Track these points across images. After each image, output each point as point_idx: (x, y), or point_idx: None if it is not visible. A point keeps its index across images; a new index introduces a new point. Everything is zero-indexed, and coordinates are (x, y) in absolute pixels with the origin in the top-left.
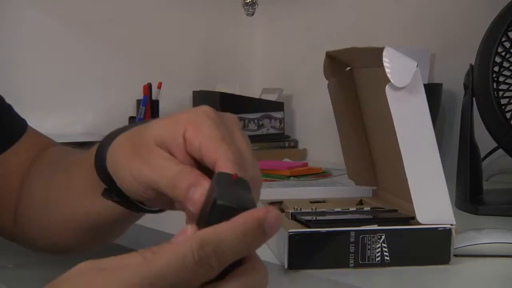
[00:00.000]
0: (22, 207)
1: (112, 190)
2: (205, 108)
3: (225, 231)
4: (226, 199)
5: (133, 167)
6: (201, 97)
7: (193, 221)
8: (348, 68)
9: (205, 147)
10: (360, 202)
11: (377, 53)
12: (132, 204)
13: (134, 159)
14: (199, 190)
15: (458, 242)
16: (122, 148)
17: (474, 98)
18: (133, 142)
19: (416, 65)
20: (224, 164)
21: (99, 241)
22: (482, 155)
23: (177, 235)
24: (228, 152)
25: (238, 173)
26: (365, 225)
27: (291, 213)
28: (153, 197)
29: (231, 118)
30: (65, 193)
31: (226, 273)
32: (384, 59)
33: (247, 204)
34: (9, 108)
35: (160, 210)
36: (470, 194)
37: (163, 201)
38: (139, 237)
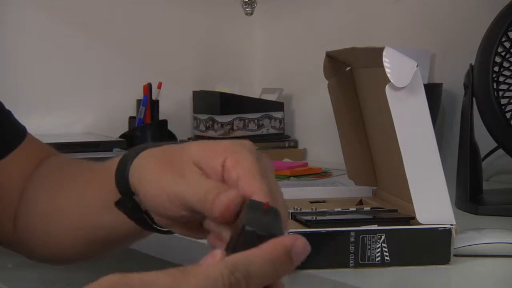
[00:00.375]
0: (22, 216)
1: (128, 202)
2: (246, 142)
3: (255, 257)
4: (255, 226)
5: (165, 179)
6: (201, 97)
7: (216, 240)
8: (348, 68)
9: (243, 179)
10: (360, 202)
11: (377, 53)
12: (143, 221)
13: (168, 171)
14: (226, 195)
15: (458, 242)
16: (154, 159)
17: (474, 98)
18: (168, 155)
19: (416, 65)
20: (259, 197)
21: (99, 255)
22: (482, 155)
23: (205, 258)
24: (263, 186)
25: (270, 203)
26: (365, 225)
27: (291, 213)
28: (176, 213)
29: (267, 159)
30: (71, 207)
31: None
32: (384, 59)
33: (275, 232)
34: (8, 114)
35: (169, 232)
36: (470, 194)
37: (180, 225)
38: (154, 241)
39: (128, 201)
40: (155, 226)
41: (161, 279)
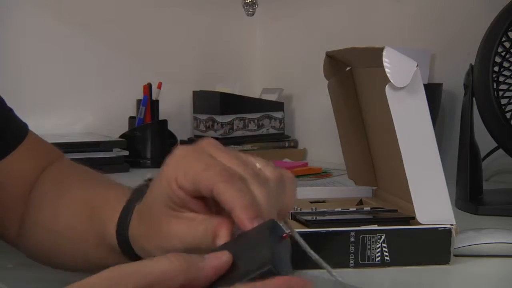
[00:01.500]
0: (29, 224)
1: None
2: (178, 151)
3: None
4: (278, 265)
5: (168, 247)
6: (201, 97)
7: None
8: (348, 68)
9: (198, 184)
10: (360, 202)
11: (377, 53)
12: None
13: (164, 242)
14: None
15: (458, 242)
16: (143, 237)
17: (474, 98)
18: (149, 224)
19: (416, 65)
20: (219, 189)
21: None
22: (482, 155)
23: (212, 255)
24: (216, 177)
25: (233, 188)
26: (365, 225)
27: (291, 213)
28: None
29: (207, 142)
30: (72, 230)
31: None
32: (384, 59)
33: (290, 273)
34: (9, 111)
35: None
36: (470, 194)
37: None
38: None
39: None
40: None
41: (158, 266)
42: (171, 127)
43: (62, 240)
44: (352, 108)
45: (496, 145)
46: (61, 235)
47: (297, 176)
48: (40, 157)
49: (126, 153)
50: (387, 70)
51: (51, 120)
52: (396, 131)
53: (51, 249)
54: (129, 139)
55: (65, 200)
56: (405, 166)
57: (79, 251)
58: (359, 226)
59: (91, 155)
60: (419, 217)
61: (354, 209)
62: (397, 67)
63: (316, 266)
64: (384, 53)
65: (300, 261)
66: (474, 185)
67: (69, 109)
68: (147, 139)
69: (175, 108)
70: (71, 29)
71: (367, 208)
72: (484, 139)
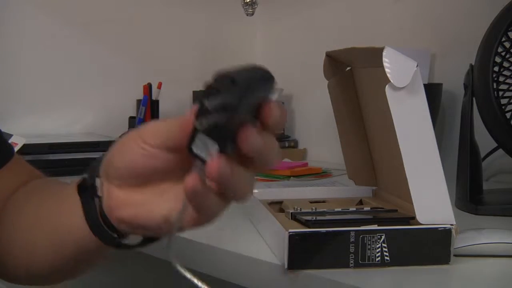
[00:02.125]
0: (5, 229)
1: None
2: None
3: None
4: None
5: (134, 136)
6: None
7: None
8: (348, 68)
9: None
10: (360, 202)
11: (377, 53)
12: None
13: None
14: None
15: (458, 242)
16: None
17: (474, 98)
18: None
19: (416, 65)
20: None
21: (73, 272)
22: (482, 155)
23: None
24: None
25: None
26: (365, 225)
27: (291, 213)
28: (149, 158)
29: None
30: (49, 220)
31: None
32: (384, 59)
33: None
34: None
35: (128, 247)
36: (470, 194)
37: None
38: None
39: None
40: (115, 235)
41: None
42: None
43: (40, 230)
44: (352, 108)
45: (496, 145)
46: (40, 226)
47: (297, 176)
48: (20, 178)
49: None
50: (387, 70)
51: (51, 120)
52: (396, 131)
53: (29, 247)
54: None
55: (44, 200)
56: (405, 166)
57: (51, 237)
58: (359, 226)
59: (91, 155)
60: (419, 217)
61: (354, 209)
62: (397, 67)
63: (316, 266)
64: (384, 53)
65: (301, 261)
66: (474, 185)
67: (69, 109)
68: None
69: (175, 108)
70: (71, 29)
71: (367, 208)
72: (484, 139)
